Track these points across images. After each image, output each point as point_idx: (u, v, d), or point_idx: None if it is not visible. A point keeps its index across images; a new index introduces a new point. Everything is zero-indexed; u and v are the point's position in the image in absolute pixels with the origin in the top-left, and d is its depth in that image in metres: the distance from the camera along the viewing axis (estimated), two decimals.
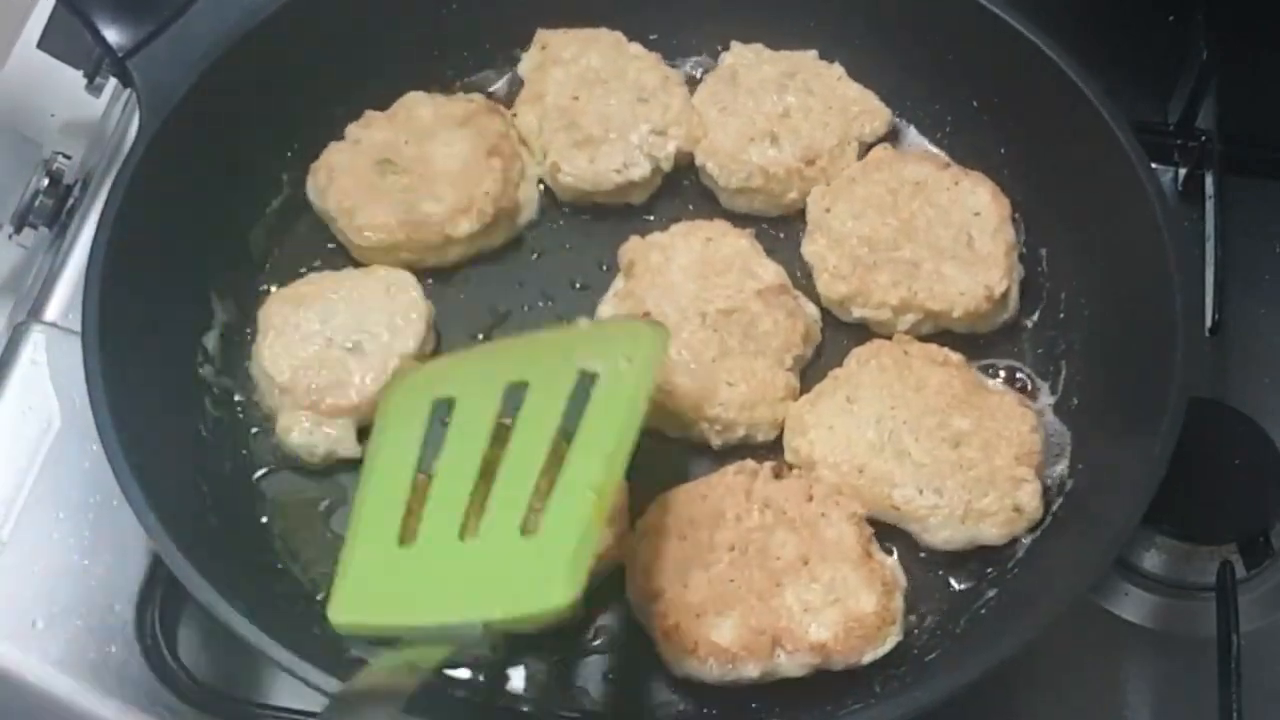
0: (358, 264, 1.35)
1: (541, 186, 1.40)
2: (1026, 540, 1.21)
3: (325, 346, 1.26)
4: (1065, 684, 1.23)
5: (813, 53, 1.43)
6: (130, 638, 1.22)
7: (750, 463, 1.21)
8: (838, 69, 1.42)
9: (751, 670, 1.12)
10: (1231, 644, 1.19)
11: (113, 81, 1.52)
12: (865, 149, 1.39)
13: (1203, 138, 1.47)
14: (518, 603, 1.00)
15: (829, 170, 1.37)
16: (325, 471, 1.26)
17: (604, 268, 1.36)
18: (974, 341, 1.32)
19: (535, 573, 1.01)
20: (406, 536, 1.05)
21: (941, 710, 1.05)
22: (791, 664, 1.12)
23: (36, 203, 1.43)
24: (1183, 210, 1.44)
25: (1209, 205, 1.41)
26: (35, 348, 1.35)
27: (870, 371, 1.25)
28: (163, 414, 1.22)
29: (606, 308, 1.31)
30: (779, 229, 1.39)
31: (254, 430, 1.28)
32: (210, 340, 1.30)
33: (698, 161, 1.39)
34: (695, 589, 1.14)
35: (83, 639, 1.22)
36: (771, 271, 1.31)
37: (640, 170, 1.37)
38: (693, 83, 1.43)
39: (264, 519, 1.24)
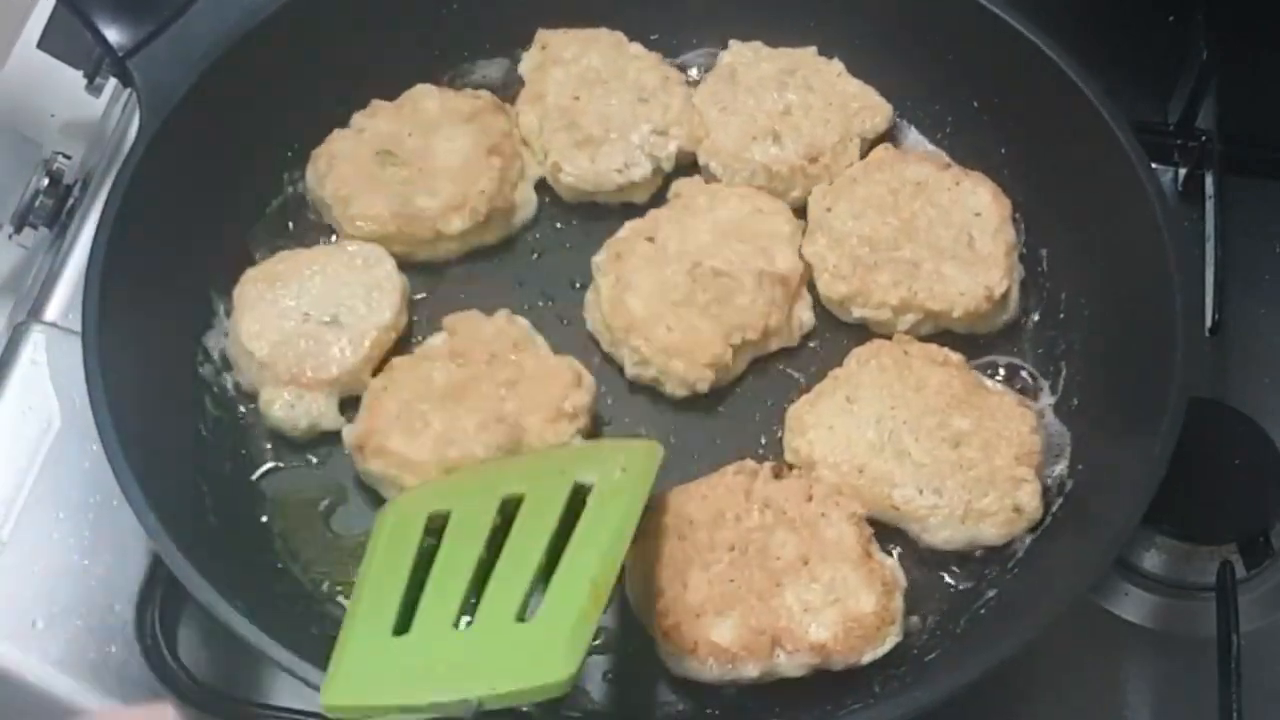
0: None
1: (536, 188, 1.40)
2: (1026, 540, 1.21)
3: (303, 321, 1.27)
4: (1065, 684, 1.23)
5: (811, 49, 1.43)
6: (130, 638, 1.22)
7: (750, 463, 1.21)
8: (837, 65, 1.42)
9: (751, 670, 1.12)
10: (1231, 644, 1.18)
11: (113, 81, 1.52)
12: (867, 145, 1.39)
13: (1203, 138, 1.47)
14: (515, 678, 1.00)
15: (832, 167, 1.37)
16: (326, 471, 1.27)
17: None
18: (974, 341, 1.32)
19: (532, 651, 1.02)
20: (400, 628, 1.06)
21: (941, 710, 1.05)
22: (791, 664, 1.12)
23: (36, 203, 1.43)
24: (1183, 210, 1.44)
25: (1209, 205, 1.41)
26: (35, 348, 1.35)
27: (870, 371, 1.25)
28: (163, 414, 1.22)
29: (623, 231, 1.33)
30: None
31: (251, 430, 1.28)
32: (210, 340, 1.30)
33: (700, 161, 1.39)
34: (695, 589, 1.14)
35: (83, 639, 1.22)
36: (788, 262, 1.31)
37: (641, 170, 1.37)
38: (693, 83, 1.43)
39: (264, 519, 1.24)
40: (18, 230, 1.45)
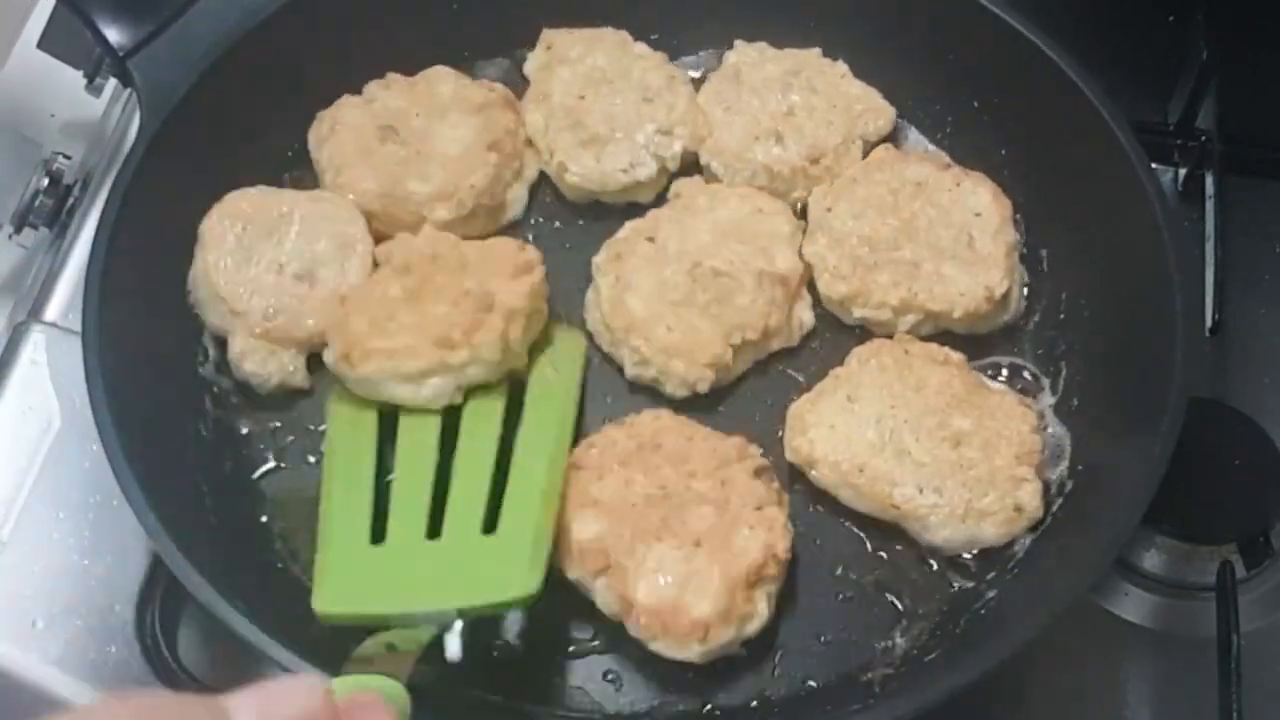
0: None
1: (538, 187, 1.40)
2: (1026, 540, 1.21)
3: (276, 271, 1.27)
4: (1065, 684, 1.23)
5: (816, 50, 1.43)
6: (130, 638, 1.22)
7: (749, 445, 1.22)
8: (841, 67, 1.42)
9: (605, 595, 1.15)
10: (1231, 644, 1.19)
11: (113, 81, 1.52)
12: (869, 147, 1.39)
13: (1203, 138, 1.47)
14: (489, 592, 1.09)
15: (834, 169, 1.37)
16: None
17: None
18: (975, 341, 1.32)
19: (501, 566, 1.10)
20: (376, 536, 1.13)
21: (941, 710, 1.05)
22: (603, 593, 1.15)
23: (36, 203, 1.43)
24: (1183, 210, 1.44)
25: (1209, 205, 1.41)
26: (35, 348, 1.35)
27: (871, 371, 1.25)
28: (163, 414, 1.22)
29: (623, 231, 1.33)
30: None
31: (251, 429, 1.28)
32: (210, 340, 1.30)
33: (702, 160, 1.39)
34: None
35: (83, 639, 1.22)
36: (788, 262, 1.31)
37: (646, 170, 1.37)
38: (697, 82, 1.43)
39: (264, 519, 1.24)
40: (18, 230, 1.45)
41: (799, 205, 1.37)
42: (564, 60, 1.42)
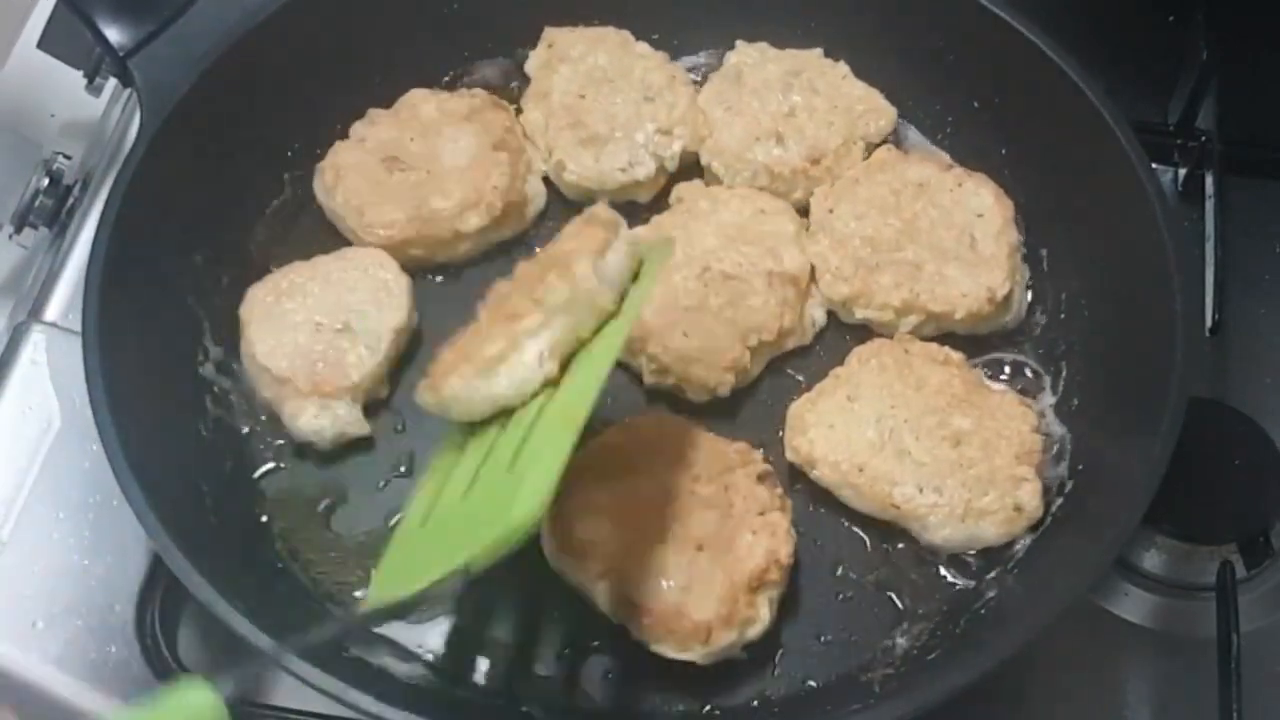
0: None
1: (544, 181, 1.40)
2: (1026, 540, 1.21)
3: (315, 331, 1.27)
4: (1065, 684, 1.23)
5: (817, 51, 1.43)
6: (130, 638, 1.22)
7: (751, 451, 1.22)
8: (842, 67, 1.42)
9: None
10: (1231, 644, 1.19)
11: (113, 81, 1.52)
12: (870, 148, 1.39)
13: (1203, 138, 1.47)
14: (488, 531, 1.00)
15: (834, 170, 1.37)
16: (326, 468, 1.27)
17: None
18: (975, 341, 1.32)
19: (507, 498, 1.01)
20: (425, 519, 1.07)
21: (941, 710, 1.05)
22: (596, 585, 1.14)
23: (36, 203, 1.44)
24: (1183, 210, 1.44)
25: (1209, 205, 1.41)
26: (35, 348, 1.35)
27: (871, 370, 1.25)
28: (163, 414, 1.22)
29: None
30: None
31: (251, 429, 1.28)
32: (210, 340, 1.30)
33: (703, 161, 1.39)
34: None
35: (83, 639, 1.22)
36: (795, 262, 1.31)
37: (645, 169, 1.37)
38: (698, 83, 1.43)
39: (264, 519, 1.24)
40: (18, 230, 1.45)
41: (799, 206, 1.37)
42: (565, 59, 1.42)
